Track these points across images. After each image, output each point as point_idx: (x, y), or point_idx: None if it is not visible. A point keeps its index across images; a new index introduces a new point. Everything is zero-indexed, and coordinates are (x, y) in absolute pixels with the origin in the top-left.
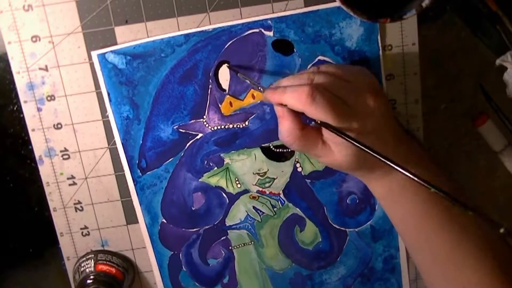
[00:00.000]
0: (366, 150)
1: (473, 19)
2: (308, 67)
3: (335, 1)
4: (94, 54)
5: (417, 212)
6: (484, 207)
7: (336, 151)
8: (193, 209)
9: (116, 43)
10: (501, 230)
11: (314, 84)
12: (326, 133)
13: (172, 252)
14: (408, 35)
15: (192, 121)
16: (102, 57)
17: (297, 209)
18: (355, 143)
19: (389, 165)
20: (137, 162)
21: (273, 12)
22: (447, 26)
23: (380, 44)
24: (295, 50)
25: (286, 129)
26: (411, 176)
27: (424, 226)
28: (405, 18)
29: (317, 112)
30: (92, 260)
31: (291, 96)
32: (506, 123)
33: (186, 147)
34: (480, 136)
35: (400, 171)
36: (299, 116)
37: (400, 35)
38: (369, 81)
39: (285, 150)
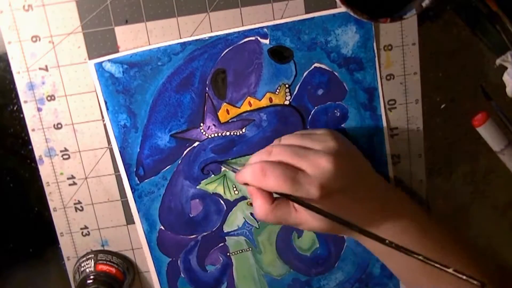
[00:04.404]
0: (331, 217)
1: (473, 19)
2: (304, 75)
3: (334, 6)
4: (91, 63)
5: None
6: (484, 207)
7: (310, 217)
8: (191, 216)
9: (116, 43)
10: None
11: (265, 162)
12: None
13: (171, 259)
14: (408, 35)
15: (189, 128)
16: (99, 66)
17: None
18: (315, 210)
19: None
20: (135, 170)
21: (273, 12)
22: (447, 26)
23: (376, 51)
24: (294, 57)
25: (257, 206)
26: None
27: (431, 273)
28: (405, 18)
29: (270, 185)
30: (92, 260)
31: (247, 175)
32: (506, 123)
33: (183, 155)
34: (480, 136)
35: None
36: (267, 192)
37: (400, 35)
38: (326, 144)
39: None
